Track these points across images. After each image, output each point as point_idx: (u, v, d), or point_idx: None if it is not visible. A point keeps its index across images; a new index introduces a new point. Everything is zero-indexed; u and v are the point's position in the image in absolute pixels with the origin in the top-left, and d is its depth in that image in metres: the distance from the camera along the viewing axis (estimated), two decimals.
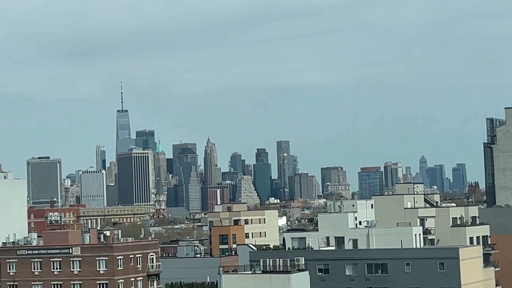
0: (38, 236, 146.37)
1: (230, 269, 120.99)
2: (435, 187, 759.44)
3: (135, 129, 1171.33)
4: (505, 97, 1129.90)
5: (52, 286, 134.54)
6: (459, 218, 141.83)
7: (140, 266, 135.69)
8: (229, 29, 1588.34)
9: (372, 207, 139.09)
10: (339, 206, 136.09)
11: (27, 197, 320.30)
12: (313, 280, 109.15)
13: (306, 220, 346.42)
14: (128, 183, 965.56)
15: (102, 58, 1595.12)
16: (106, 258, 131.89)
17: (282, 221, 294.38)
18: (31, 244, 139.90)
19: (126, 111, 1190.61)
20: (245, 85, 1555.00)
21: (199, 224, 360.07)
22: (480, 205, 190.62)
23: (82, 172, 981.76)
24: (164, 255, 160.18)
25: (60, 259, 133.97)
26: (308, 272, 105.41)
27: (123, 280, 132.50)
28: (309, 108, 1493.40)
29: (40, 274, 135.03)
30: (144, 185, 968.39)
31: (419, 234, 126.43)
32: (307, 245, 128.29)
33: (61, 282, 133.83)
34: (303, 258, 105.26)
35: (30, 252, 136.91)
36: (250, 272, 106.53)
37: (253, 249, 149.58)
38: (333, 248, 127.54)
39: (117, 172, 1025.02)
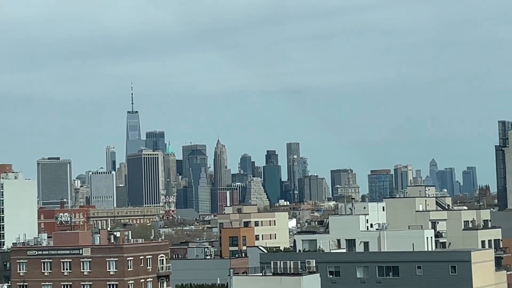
0: (48, 237, 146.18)
1: (240, 271, 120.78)
2: (445, 190, 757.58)
3: (145, 130, 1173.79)
4: None
5: (62, 286, 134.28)
6: (471, 222, 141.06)
7: (150, 267, 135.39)
8: (240, 30, 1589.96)
9: (383, 210, 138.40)
10: (350, 208, 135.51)
11: (37, 197, 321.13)
12: (324, 282, 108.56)
13: (316, 222, 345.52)
14: (138, 184, 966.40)
15: (112, 59, 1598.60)
16: (116, 259, 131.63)
17: (292, 223, 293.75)
18: (41, 244, 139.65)
19: (136, 112, 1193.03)
20: (255, 86, 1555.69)
21: (209, 225, 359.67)
22: (491, 208, 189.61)
23: (92, 173, 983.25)
24: (174, 257, 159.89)
25: (70, 260, 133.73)
26: (319, 274, 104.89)
27: (133, 281, 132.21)
28: (319, 110, 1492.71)
29: (50, 275, 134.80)
30: (154, 186, 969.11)
31: (431, 237, 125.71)
32: (318, 247, 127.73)
33: (71, 283, 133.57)
34: (314, 260, 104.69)
35: (40, 252, 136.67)
36: (261, 274, 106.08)
37: (263, 251, 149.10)
38: (344, 250, 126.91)
39: (127, 173, 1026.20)
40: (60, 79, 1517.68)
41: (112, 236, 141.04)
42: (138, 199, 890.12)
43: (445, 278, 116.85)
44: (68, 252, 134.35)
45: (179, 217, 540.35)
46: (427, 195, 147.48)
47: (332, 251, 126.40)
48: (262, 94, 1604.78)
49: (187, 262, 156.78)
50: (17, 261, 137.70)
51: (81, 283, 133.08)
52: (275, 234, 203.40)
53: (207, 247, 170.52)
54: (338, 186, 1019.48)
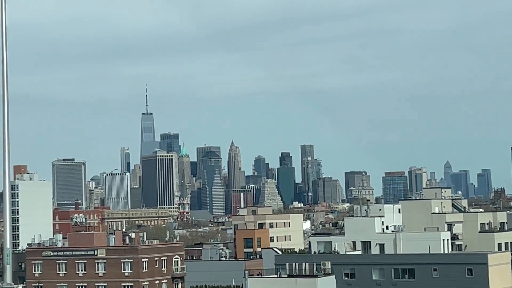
0: (63, 238, 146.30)
1: (255, 273, 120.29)
2: (460, 192, 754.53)
3: (159, 132, 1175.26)
4: None
5: (77, 287, 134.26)
6: (487, 224, 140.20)
7: (165, 268, 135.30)
8: (254, 32, 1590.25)
9: (399, 212, 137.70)
10: (365, 210, 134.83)
11: (52, 198, 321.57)
12: (339, 284, 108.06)
13: (331, 224, 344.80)
14: (152, 186, 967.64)
15: (127, 61, 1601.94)
16: (131, 260, 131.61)
17: (306, 225, 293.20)
18: (56, 245, 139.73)
19: (151, 114, 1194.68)
20: (269, 88, 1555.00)
21: (223, 227, 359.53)
22: (508, 211, 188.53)
23: (107, 175, 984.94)
24: (188, 258, 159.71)
25: (85, 261, 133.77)
26: (334, 276, 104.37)
27: (148, 283, 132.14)
28: (333, 112, 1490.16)
29: (65, 276, 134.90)
30: (168, 188, 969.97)
31: (447, 239, 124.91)
32: (333, 249, 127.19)
33: (86, 284, 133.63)
34: (329, 262, 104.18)
35: (55, 253, 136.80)
36: (276, 276, 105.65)
37: (278, 252, 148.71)
38: (359, 252, 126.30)
39: (141, 175, 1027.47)
40: (75, 81, 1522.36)
41: (127, 237, 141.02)
42: (152, 201, 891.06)
43: (462, 281, 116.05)
44: (83, 253, 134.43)
45: (193, 218, 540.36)
46: (443, 197, 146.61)
47: (347, 253, 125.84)
48: (276, 96, 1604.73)
49: (202, 264, 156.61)
50: (32, 262, 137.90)
51: (96, 284, 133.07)
52: (289, 236, 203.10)
53: (222, 249, 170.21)
54: (352, 188, 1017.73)
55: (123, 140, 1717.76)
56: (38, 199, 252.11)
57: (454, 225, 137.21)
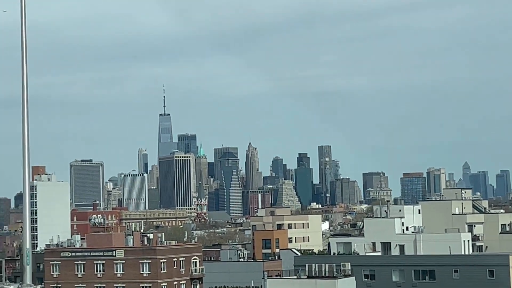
0: (81, 238, 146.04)
1: (274, 274, 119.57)
2: (478, 193, 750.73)
3: (177, 132, 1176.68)
4: None
5: None
6: (508, 225, 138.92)
7: (183, 269, 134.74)
8: (271, 33, 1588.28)
9: (419, 213, 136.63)
10: (385, 211, 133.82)
11: (70, 199, 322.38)
12: (359, 286, 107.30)
13: (349, 225, 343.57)
14: (169, 187, 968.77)
15: (145, 62, 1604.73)
16: (150, 261, 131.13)
17: (325, 226, 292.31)
18: (74, 246, 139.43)
19: (168, 115, 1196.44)
20: (287, 89, 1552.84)
21: (241, 228, 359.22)
22: None
23: (124, 175, 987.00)
24: (207, 259, 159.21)
25: (104, 262, 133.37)
26: (354, 277, 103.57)
27: (166, 284, 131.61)
28: (351, 113, 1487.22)
29: (84, 276, 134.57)
30: (186, 189, 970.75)
31: (468, 240, 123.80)
32: (352, 250, 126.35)
33: (104, 285, 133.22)
34: (349, 263, 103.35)
35: (73, 254, 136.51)
36: (295, 277, 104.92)
37: (296, 253, 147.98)
38: (379, 253, 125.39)
39: (159, 176, 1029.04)
40: (93, 82, 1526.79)
41: (145, 238, 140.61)
42: (170, 202, 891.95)
43: (483, 282, 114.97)
44: (101, 253, 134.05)
45: (210, 219, 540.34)
46: (463, 198, 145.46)
47: (367, 254, 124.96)
48: (294, 96, 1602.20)
49: (220, 265, 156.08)
50: (51, 262, 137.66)
51: (115, 285, 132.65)
52: (308, 236, 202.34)
53: (240, 250, 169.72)
54: (370, 189, 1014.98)
55: (140, 141, 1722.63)
56: (56, 200, 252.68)
57: (474, 226, 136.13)
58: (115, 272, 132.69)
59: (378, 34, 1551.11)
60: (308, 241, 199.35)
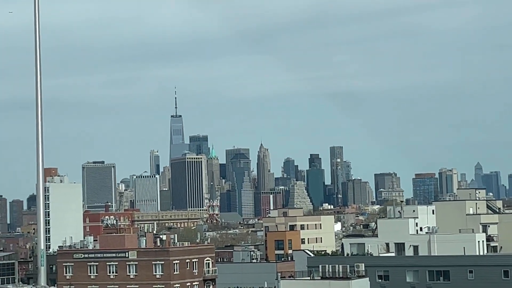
0: (94, 240, 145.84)
1: (287, 275, 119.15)
2: (491, 194, 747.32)
3: (188, 134, 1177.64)
4: None
5: None
6: None
7: (196, 271, 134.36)
8: (283, 34, 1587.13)
9: (433, 213, 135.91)
10: (399, 211, 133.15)
11: (82, 201, 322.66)
12: (373, 287, 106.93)
13: (361, 226, 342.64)
14: (181, 188, 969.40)
15: (156, 64, 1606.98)
16: (163, 262, 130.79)
17: (337, 227, 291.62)
18: (87, 247, 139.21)
19: (180, 116, 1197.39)
20: (298, 90, 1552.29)
21: (253, 229, 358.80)
22: None
23: (136, 177, 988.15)
24: (219, 260, 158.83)
25: (117, 263, 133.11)
26: (368, 278, 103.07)
27: (179, 285, 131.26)
28: (363, 114, 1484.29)
29: (96, 278, 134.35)
30: (198, 190, 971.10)
31: (482, 240, 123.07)
32: (366, 251, 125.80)
33: (117, 286, 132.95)
34: (363, 264, 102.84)
35: (86, 255, 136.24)
36: (309, 278, 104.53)
37: (309, 254, 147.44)
38: (393, 254, 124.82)
39: (170, 177, 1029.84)
40: (105, 84, 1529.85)
41: (158, 239, 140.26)
42: (182, 203, 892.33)
43: (498, 283, 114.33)
44: (114, 255, 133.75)
45: (222, 220, 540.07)
46: (477, 198, 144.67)
47: (380, 255, 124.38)
48: (305, 97, 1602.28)
49: (233, 266, 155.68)
50: (64, 264, 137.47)
51: (127, 286, 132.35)
52: (321, 237, 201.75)
53: (253, 251, 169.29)
54: (382, 190, 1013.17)
55: (152, 143, 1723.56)
56: (69, 201, 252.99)
57: (489, 226, 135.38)
58: (128, 274, 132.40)
59: (390, 34, 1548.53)
60: (321, 242, 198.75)
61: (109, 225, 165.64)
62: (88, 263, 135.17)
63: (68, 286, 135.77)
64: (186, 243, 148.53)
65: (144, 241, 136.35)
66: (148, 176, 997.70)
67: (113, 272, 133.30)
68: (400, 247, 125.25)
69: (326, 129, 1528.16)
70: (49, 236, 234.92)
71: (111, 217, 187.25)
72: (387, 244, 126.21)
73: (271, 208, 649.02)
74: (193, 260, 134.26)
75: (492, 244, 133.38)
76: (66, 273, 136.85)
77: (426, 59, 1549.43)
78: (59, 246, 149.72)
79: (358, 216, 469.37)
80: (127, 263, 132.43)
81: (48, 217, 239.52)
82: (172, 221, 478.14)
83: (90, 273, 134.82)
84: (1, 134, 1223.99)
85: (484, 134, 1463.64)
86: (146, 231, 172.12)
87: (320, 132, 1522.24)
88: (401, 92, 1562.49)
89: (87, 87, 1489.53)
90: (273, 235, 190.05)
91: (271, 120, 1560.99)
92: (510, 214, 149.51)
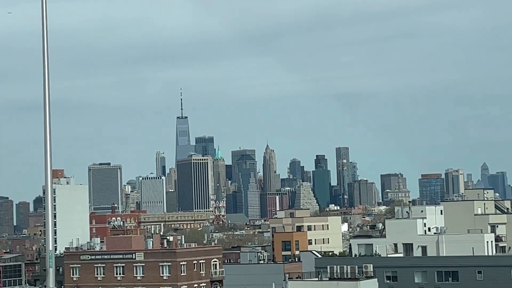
0: (100, 241, 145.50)
1: (294, 276, 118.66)
2: (497, 194, 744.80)
3: (194, 135, 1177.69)
4: None
5: None
6: None
7: (204, 272, 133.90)
8: (290, 35, 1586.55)
9: (441, 213, 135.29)
10: (407, 212, 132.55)
11: (88, 202, 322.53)
12: (381, 287, 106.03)
13: (368, 227, 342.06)
14: (187, 190, 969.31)
15: (162, 65, 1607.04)
16: (170, 263, 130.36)
17: (344, 227, 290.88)
18: (94, 249, 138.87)
19: (186, 117, 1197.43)
20: (304, 91, 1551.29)
21: (260, 230, 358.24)
22: None
23: (142, 178, 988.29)
24: (226, 261, 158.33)
25: (123, 264, 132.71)
26: (376, 279, 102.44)
27: (186, 286, 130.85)
28: (369, 114, 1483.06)
29: (103, 279, 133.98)
30: (204, 192, 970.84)
31: (491, 241, 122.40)
32: (374, 251, 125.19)
33: (124, 287, 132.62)
34: (371, 265, 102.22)
35: (93, 257, 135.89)
36: (317, 279, 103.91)
37: (317, 255, 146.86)
38: (401, 255, 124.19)
39: (176, 179, 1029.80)
40: (111, 85, 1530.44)
41: (165, 241, 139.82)
42: (188, 204, 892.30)
43: (507, 283, 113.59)
44: (121, 256, 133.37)
45: (229, 222, 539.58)
46: (485, 198, 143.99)
47: (389, 255, 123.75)
48: (311, 98, 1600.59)
49: (241, 267, 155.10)
50: (70, 265, 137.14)
51: (134, 287, 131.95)
52: (328, 238, 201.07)
53: (260, 252, 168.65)
54: (388, 190, 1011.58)
55: (158, 144, 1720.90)
56: (75, 203, 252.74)
57: (497, 226, 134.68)
58: (135, 275, 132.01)
59: (396, 34, 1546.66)
60: (328, 242, 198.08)
61: (116, 226, 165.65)
62: (95, 265, 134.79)
63: None
64: (193, 244, 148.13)
65: (151, 242, 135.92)
66: (154, 178, 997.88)
67: (120, 274, 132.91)
68: (408, 247, 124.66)
69: (332, 130, 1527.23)
70: (55, 238, 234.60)
71: (118, 218, 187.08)
72: (395, 245, 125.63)
73: (277, 209, 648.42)
74: (200, 261, 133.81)
75: (501, 244, 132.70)
76: (73, 274, 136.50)
77: (432, 60, 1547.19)
78: (65, 248, 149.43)
79: (364, 217, 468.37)
80: (134, 264, 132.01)
81: (55, 219, 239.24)
82: (178, 222, 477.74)
83: (97, 274, 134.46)
84: (7, 136, 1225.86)
85: (491, 135, 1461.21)
86: (152, 232, 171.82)
87: (326, 133, 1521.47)
88: (407, 92, 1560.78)
89: (93, 88, 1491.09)
90: (280, 236, 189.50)
91: (277, 121, 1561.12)
92: None
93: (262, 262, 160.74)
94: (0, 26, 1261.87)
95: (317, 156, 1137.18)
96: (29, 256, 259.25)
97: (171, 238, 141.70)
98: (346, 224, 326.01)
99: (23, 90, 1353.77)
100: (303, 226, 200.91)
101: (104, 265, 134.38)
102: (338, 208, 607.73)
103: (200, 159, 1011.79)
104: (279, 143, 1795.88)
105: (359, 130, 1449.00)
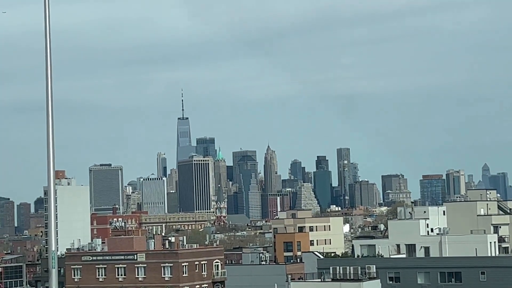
0: (102, 242, 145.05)
1: (297, 277, 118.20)
2: (498, 195, 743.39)
3: (195, 136, 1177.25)
4: None
5: None
6: None
7: (205, 273, 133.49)
8: (290, 36, 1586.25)
9: (444, 214, 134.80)
10: (410, 212, 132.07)
11: (89, 203, 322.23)
12: None
13: (370, 227, 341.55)
14: (188, 190, 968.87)
15: (163, 66, 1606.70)
16: (171, 264, 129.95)
17: (345, 228, 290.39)
18: (95, 250, 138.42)
19: (187, 118, 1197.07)
20: (306, 91, 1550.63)
21: (261, 231, 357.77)
22: None
23: (143, 179, 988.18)
24: (228, 262, 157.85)
25: (125, 265, 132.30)
26: (379, 280, 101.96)
27: (188, 287, 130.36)
28: (370, 115, 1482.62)
29: (105, 280, 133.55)
30: (205, 192, 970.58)
31: (494, 241, 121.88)
32: (377, 252, 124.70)
33: None
34: (374, 266, 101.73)
35: (94, 258, 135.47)
36: (319, 280, 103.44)
37: (319, 256, 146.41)
38: (404, 255, 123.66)
39: (177, 179, 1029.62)
40: (112, 87, 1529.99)
41: (166, 242, 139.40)
42: (189, 205, 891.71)
43: (510, 284, 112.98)
44: (122, 257, 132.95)
45: (230, 222, 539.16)
46: (488, 199, 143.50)
47: (391, 256, 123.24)
48: (312, 99, 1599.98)
49: (242, 268, 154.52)
50: (72, 266, 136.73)
51: None
52: (330, 239, 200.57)
53: (262, 253, 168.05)
54: (389, 191, 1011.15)
55: (159, 145, 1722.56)
56: (76, 204, 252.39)
57: (500, 227, 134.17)
58: (136, 276, 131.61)
59: (396, 36, 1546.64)
60: (330, 243, 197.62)
61: (117, 227, 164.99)
62: (97, 266, 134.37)
63: None
64: (195, 245, 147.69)
65: (153, 243, 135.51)
66: (155, 179, 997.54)
67: (121, 275, 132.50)
68: (411, 248, 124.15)
69: (333, 131, 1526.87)
70: (57, 239, 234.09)
71: (119, 219, 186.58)
72: (398, 246, 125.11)
73: (279, 210, 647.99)
74: (202, 262, 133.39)
75: (504, 245, 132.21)
76: (74, 275, 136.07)
77: (432, 61, 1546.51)
78: (67, 249, 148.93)
79: (366, 218, 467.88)
80: (135, 265, 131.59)
81: (56, 220, 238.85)
82: (179, 223, 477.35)
83: (99, 275, 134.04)
84: (8, 137, 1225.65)
85: (492, 135, 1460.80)
86: (154, 233, 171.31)
87: (327, 134, 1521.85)
88: (408, 93, 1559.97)
89: (94, 89, 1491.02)
90: (282, 236, 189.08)
91: (278, 122, 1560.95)
92: None
93: (264, 263, 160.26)
94: (1, 26, 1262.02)
95: (318, 157, 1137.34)
96: (30, 257, 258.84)
97: (173, 239, 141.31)
98: (347, 225, 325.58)
99: (23, 90, 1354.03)
100: (305, 227, 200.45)
101: (105, 266, 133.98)
102: (339, 209, 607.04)
103: (201, 160, 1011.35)
104: (280, 144, 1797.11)
105: (360, 131, 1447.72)
